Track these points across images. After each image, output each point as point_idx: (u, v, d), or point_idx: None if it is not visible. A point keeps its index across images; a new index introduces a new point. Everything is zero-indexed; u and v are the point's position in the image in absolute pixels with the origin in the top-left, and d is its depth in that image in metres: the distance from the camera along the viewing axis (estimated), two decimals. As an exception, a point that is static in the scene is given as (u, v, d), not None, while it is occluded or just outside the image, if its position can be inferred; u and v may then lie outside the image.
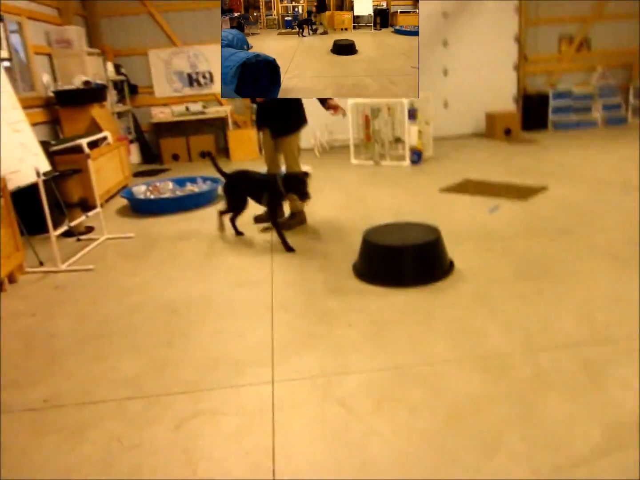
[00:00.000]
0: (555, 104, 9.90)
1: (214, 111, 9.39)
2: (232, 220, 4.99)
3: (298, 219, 5.15)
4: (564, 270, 3.60)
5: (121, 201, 6.49)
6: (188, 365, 2.78)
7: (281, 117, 4.90)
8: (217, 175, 6.84)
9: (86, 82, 7.15)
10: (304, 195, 4.46)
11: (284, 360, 2.75)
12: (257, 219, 5.33)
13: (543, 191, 5.64)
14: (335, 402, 2.36)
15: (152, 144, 9.59)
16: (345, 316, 3.18)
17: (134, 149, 9.37)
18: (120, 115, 9.08)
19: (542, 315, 3.01)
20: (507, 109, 9.85)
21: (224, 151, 9.41)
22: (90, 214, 5.15)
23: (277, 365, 2.70)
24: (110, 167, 6.88)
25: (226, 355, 2.84)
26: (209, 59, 9.42)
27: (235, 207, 4.95)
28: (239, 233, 4.96)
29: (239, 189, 4.91)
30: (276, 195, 4.61)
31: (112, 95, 8.64)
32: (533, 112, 9.88)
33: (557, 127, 9.95)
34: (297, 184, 4.45)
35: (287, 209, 5.18)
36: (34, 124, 6.43)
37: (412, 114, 7.56)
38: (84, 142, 5.68)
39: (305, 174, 4.57)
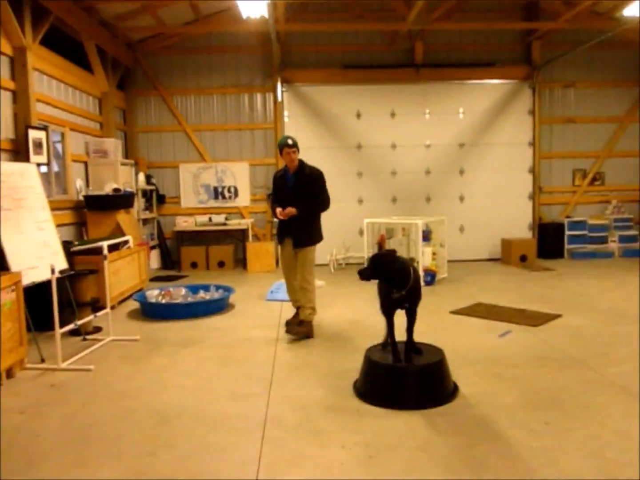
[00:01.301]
0: (571, 233, 10.01)
1: (235, 223, 9.71)
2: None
3: (305, 329, 5.15)
4: (573, 402, 3.44)
5: (134, 304, 6.55)
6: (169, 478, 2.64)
7: (305, 230, 5.24)
8: (230, 284, 6.96)
9: (116, 189, 7.53)
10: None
11: (268, 480, 2.60)
12: (288, 324, 5.29)
13: (556, 319, 5.54)
14: (317, 531, 2.19)
15: (173, 251, 9.85)
16: (339, 437, 3.03)
17: (155, 254, 9.62)
18: (145, 221, 9.44)
19: (548, 449, 2.82)
20: (522, 236, 9.99)
21: (242, 262, 9.59)
22: (99, 314, 5.18)
23: (261, 485, 2.54)
24: (127, 270, 7.03)
25: (210, 471, 2.69)
26: (235, 174, 9.92)
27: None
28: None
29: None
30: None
31: (140, 202, 9.05)
32: (549, 241, 9.98)
33: (573, 256, 9.98)
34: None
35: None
36: (61, 225, 6.76)
37: (427, 236, 7.70)
38: (104, 244, 5.88)
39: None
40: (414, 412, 3.34)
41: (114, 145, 8.12)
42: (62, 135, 7.31)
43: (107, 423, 3.30)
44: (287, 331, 5.17)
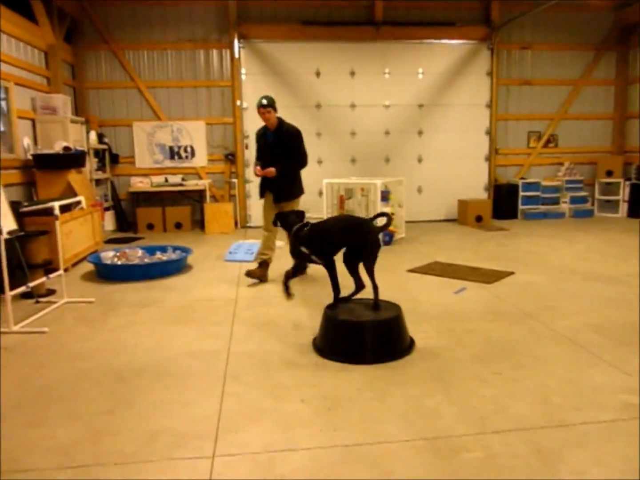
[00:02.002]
0: (525, 194, 10.26)
1: (192, 184, 9.53)
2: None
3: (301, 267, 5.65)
4: (523, 354, 3.58)
5: (88, 266, 6.41)
6: (127, 435, 2.63)
7: (284, 185, 5.59)
8: (188, 246, 6.87)
9: (66, 148, 7.24)
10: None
11: (228, 434, 2.62)
12: (249, 274, 5.64)
13: (509, 276, 5.72)
14: (276, 480, 2.24)
15: (128, 213, 9.63)
16: (298, 391, 3.08)
17: (110, 216, 9.38)
18: (99, 182, 9.15)
19: (498, 397, 2.95)
20: (478, 197, 10.18)
21: (200, 223, 9.46)
22: (52, 276, 5.05)
23: (220, 439, 2.57)
24: (81, 232, 6.84)
25: (169, 427, 2.70)
26: (192, 134, 9.68)
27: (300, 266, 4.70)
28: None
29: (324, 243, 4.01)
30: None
31: (92, 162, 8.75)
32: (503, 201, 10.21)
33: (526, 216, 10.26)
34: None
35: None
36: (9, 185, 6.48)
37: (385, 196, 7.75)
38: (55, 204, 5.68)
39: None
40: (372, 366, 3.41)
41: (62, 101, 7.78)
42: (6, 90, 6.93)
43: (63, 383, 3.26)
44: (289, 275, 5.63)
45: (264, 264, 5.75)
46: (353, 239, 3.84)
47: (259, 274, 5.67)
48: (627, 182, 10.16)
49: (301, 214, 4.28)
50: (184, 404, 2.94)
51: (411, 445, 2.50)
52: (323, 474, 2.29)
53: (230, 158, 9.75)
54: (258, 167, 5.53)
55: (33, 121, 7.61)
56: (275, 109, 5.47)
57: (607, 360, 3.42)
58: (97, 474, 2.32)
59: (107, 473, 2.32)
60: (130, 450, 2.49)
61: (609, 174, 10.35)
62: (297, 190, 5.74)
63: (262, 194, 5.77)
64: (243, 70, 9.59)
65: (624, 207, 10.28)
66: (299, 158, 5.59)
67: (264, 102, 5.39)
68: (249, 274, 5.63)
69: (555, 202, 10.43)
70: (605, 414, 2.75)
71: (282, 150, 5.53)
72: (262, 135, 5.70)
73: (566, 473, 2.26)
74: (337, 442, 2.54)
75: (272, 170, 5.43)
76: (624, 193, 10.24)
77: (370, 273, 3.79)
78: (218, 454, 2.45)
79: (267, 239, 5.76)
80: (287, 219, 4.25)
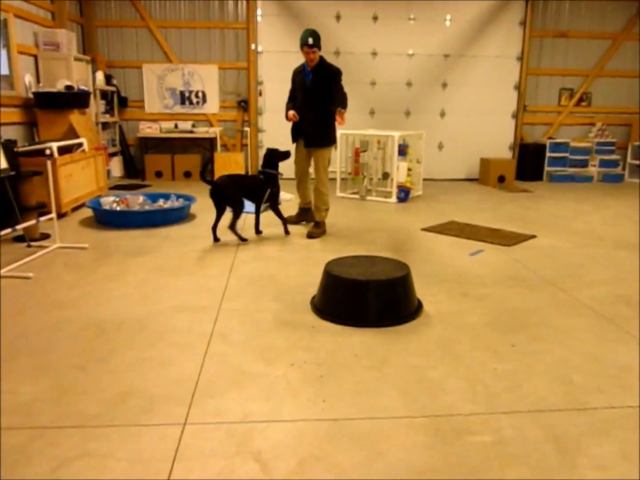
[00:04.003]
0: (552, 155, 9.69)
1: (203, 131, 9.14)
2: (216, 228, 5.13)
3: (322, 228, 5.45)
4: (542, 325, 3.24)
5: (89, 211, 6.14)
6: (94, 395, 2.38)
7: (317, 131, 5.29)
8: (192, 194, 6.55)
9: (68, 87, 6.88)
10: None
11: (205, 399, 2.35)
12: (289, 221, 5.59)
13: (530, 240, 5.32)
14: (250, 457, 1.96)
15: (137, 159, 9.31)
16: (289, 354, 2.79)
17: (117, 161, 9.07)
18: (106, 126, 8.81)
19: (512, 373, 2.62)
20: (502, 156, 9.65)
21: (209, 173, 9.11)
22: (43, 219, 4.78)
23: (195, 405, 2.29)
24: (82, 176, 6.55)
25: (141, 388, 2.44)
26: (204, 78, 9.22)
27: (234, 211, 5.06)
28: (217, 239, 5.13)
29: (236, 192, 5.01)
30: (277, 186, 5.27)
31: (98, 104, 8.39)
32: (529, 162, 9.66)
33: (552, 178, 9.72)
34: (281, 157, 5.26)
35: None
36: (8, 124, 6.20)
37: (403, 151, 7.30)
38: (53, 145, 5.39)
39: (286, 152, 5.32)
40: (373, 329, 3.11)
41: (66, 37, 7.36)
42: (5, 22, 6.54)
43: (38, 334, 3.01)
44: (308, 235, 5.28)
45: (302, 211, 5.86)
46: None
47: (296, 219, 5.78)
48: (663, 147, 9.54)
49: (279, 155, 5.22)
50: (161, 363, 2.67)
51: (409, 423, 2.20)
52: (305, 451, 2.00)
53: (243, 105, 9.31)
54: (291, 112, 5.22)
55: (35, 57, 7.23)
56: (320, 48, 5.12)
57: (636, 337, 3.06)
58: (52, 437, 2.06)
59: (63, 437, 2.06)
60: (93, 413, 2.23)
61: (644, 136, 9.70)
62: (331, 137, 5.42)
63: (294, 139, 5.52)
64: (259, 12, 9.03)
65: (657, 173, 9.68)
66: (341, 100, 5.14)
67: (310, 41, 5.01)
68: (311, 234, 5.34)
69: (584, 164, 9.85)
70: (633, 398, 2.41)
71: (321, 92, 5.18)
72: (299, 72, 5.37)
73: (586, 467, 1.95)
74: (326, 415, 2.25)
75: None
76: (658, 158, 9.63)
77: None
78: (190, 422, 2.18)
79: (302, 187, 5.73)
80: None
